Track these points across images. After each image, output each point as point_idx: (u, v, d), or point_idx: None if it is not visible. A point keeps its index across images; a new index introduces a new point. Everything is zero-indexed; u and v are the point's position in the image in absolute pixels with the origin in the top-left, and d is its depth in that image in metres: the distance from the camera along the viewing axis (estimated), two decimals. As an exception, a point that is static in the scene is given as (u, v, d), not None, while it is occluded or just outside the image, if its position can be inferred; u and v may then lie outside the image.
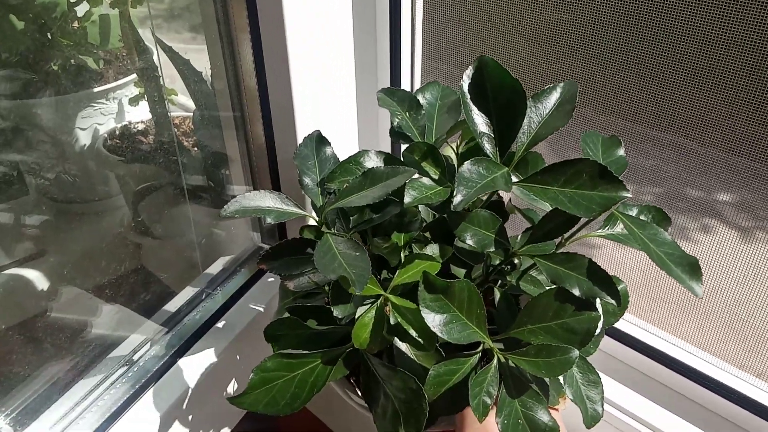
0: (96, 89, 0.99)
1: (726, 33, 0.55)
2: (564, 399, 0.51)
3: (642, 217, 0.53)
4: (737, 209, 0.66)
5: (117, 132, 1.04)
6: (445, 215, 0.52)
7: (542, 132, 0.45)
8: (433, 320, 0.43)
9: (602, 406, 0.50)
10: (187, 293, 0.77)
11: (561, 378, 0.49)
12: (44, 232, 0.86)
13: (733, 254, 0.66)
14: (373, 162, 0.52)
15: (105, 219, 0.97)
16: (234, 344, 0.72)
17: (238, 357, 0.73)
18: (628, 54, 0.62)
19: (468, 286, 0.44)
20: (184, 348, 0.70)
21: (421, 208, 0.56)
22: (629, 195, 0.41)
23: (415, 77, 0.75)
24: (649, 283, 0.75)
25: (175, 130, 1.04)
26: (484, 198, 0.54)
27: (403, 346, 0.48)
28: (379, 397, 0.46)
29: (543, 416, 0.43)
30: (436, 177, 0.50)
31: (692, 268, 0.42)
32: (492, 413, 0.44)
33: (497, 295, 0.51)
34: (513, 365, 0.45)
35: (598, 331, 0.44)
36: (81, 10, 0.97)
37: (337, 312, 0.46)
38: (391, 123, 0.55)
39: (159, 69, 0.95)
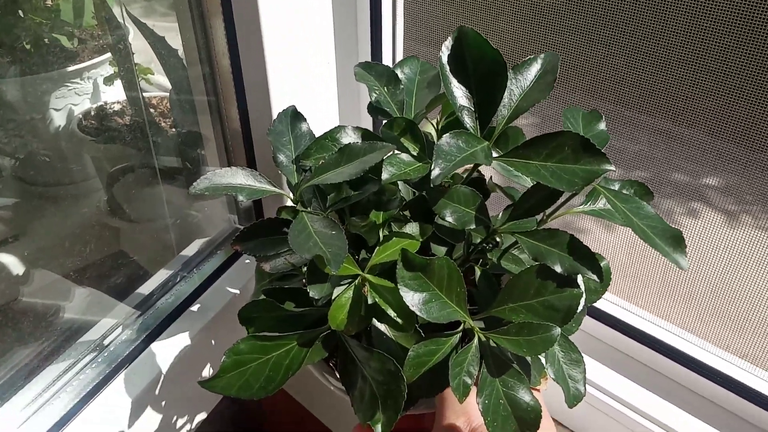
0: (70, 68, 0.96)
1: (713, 14, 0.54)
2: (546, 379, 0.50)
3: (624, 192, 0.51)
4: (722, 193, 0.65)
5: (92, 113, 1.01)
6: (425, 193, 0.51)
7: (523, 104, 0.44)
8: (412, 299, 0.41)
9: (584, 386, 0.49)
10: (161, 276, 0.75)
11: (543, 357, 0.48)
12: (16, 216, 0.83)
13: (717, 236, 0.65)
14: (350, 138, 0.50)
15: (79, 202, 0.95)
16: (209, 328, 0.70)
17: (213, 341, 0.71)
18: (613, 35, 0.61)
19: (448, 263, 0.42)
20: (157, 331, 0.68)
21: (401, 186, 0.54)
22: (612, 168, 0.40)
23: (396, 53, 0.73)
24: (633, 263, 0.74)
25: (152, 110, 1.02)
26: (464, 175, 0.53)
27: (382, 327, 0.47)
28: (357, 380, 0.44)
29: (525, 396, 0.42)
30: (415, 153, 0.48)
31: (676, 241, 0.41)
32: (473, 393, 0.43)
33: (478, 273, 0.49)
34: (494, 344, 0.43)
35: (580, 308, 0.43)
36: (52, -14, 0.93)
37: (313, 293, 0.44)
38: (371, 98, 0.54)
39: (130, 47, 0.92)
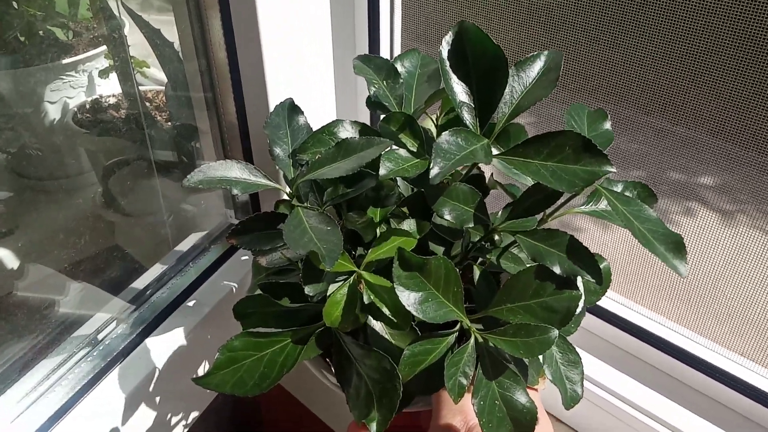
0: (65, 61, 0.96)
1: (710, 13, 0.54)
2: (543, 379, 0.50)
3: (627, 194, 0.51)
4: (718, 192, 0.65)
5: (87, 106, 1.01)
6: (423, 189, 0.50)
7: (525, 102, 0.43)
8: (408, 299, 0.41)
9: (582, 387, 0.48)
10: (156, 270, 0.74)
11: (540, 358, 0.48)
12: (10, 209, 0.83)
13: (715, 235, 0.65)
14: (347, 132, 0.50)
15: (74, 195, 0.94)
16: (204, 323, 0.70)
17: (208, 336, 0.71)
18: (611, 33, 0.61)
19: (445, 263, 0.42)
20: (151, 327, 0.67)
21: (399, 182, 0.54)
22: (614, 169, 0.39)
23: (394, 47, 0.73)
24: (632, 261, 0.74)
25: (148, 104, 1.02)
26: (464, 172, 0.52)
27: (378, 326, 0.47)
28: (352, 378, 0.44)
29: (521, 397, 0.42)
30: (413, 149, 0.48)
31: (676, 246, 0.40)
32: (468, 394, 0.42)
33: (476, 273, 0.49)
34: (491, 345, 0.43)
35: (578, 310, 0.42)
36: (47, -24, 0.92)
37: (308, 290, 0.44)
38: (369, 92, 0.53)
39: (126, 40, 0.92)
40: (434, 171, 0.39)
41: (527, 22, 0.68)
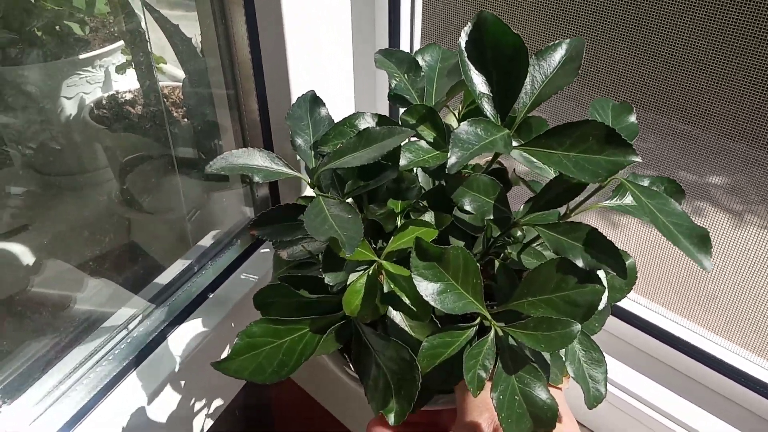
0: (82, 56, 0.98)
1: (722, 17, 0.54)
2: (567, 378, 0.50)
3: (654, 188, 0.51)
4: (729, 193, 0.65)
5: (104, 101, 1.03)
6: (444, 182, 0.51)
7: (546, 91, 0.44)
8: (426, 289, 0.42)
9: (605, 386, 0.49)
10: (177, 266, 0.76)
11: (563, 355, 0.48)
12: (29, 205, 0.85)
13: (733, 235, 0.66)
14: (368, 124, 0.51)
15: (92, 192, 0.96)
16: (228, 318, 0.72)
17: (232, 330, 0.73)
18: (625, 33, 0.61)
19: (463, 253, 0.43)
20: (175, 322, 0.69)
21: (420, 176, 0.55)
22: (639, 159, 0.40)
23: (414, 41, 0.74)
24: (655, 263, 0.74)
25: (165, 100, 1.04)
26: (485, 165, 0.53)
27: (397, 318, 0.48)
28: (371, 369, 0.45)
29: (541, 393, 0.43)
30: (433, 140, 0.49)
31: (701, 240, 0.41)
32: (488, 388, 0.43)
33: (497, 266, 0.50)
34: (512, 340, 0.44)
35: (602, 305, 0.43)
36: (65, -28, 0.94)
37: (328, 279, 0.45)
38: (389, 86, 0.54)
39: (147, 35, 0.93)
40: (452, 160, 0.40)
41: (546, 15, 0.68)
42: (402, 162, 0.45)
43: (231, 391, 0.77)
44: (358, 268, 0.46)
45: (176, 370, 0.66)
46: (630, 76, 0.64)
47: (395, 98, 0.54)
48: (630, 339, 0.74)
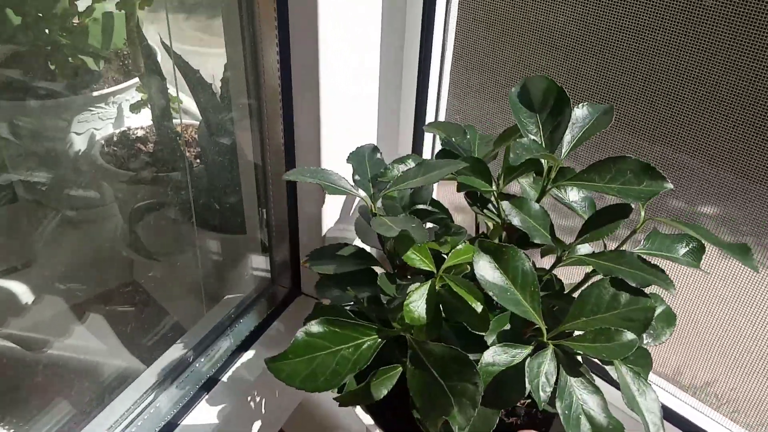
0: (95, 93, 0.99)
1: (720, 45, 0.60)
2: None
3: (681, 248, 0.56)
4: (719, 223, 0.69)
5: (115, 138, 1.03)
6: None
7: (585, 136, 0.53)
8: (493, 276, 0.46)
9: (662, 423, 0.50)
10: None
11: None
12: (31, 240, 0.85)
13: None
14: (414, 163, 0.59)
15: (101, 229, 0.97)
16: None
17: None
18: (619, 64, 0.67)
19: (520, 253, 0.47)
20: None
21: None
22: (671, 186, 0.48)
23: (440, 110, 0.80)
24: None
25: (177, 138, 1.05)
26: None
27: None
28: (426, 387, 0.47)
29: (600, 414, 0.46)
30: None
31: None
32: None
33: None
34: (570, 354, 0.47)
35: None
36: (82, 5, 0.96)
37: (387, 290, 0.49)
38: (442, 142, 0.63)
39: (164, 77, 0.95)
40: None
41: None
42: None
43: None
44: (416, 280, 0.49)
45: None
46: (620, 103, 0.70)
47: (445, 152, 0.62)
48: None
